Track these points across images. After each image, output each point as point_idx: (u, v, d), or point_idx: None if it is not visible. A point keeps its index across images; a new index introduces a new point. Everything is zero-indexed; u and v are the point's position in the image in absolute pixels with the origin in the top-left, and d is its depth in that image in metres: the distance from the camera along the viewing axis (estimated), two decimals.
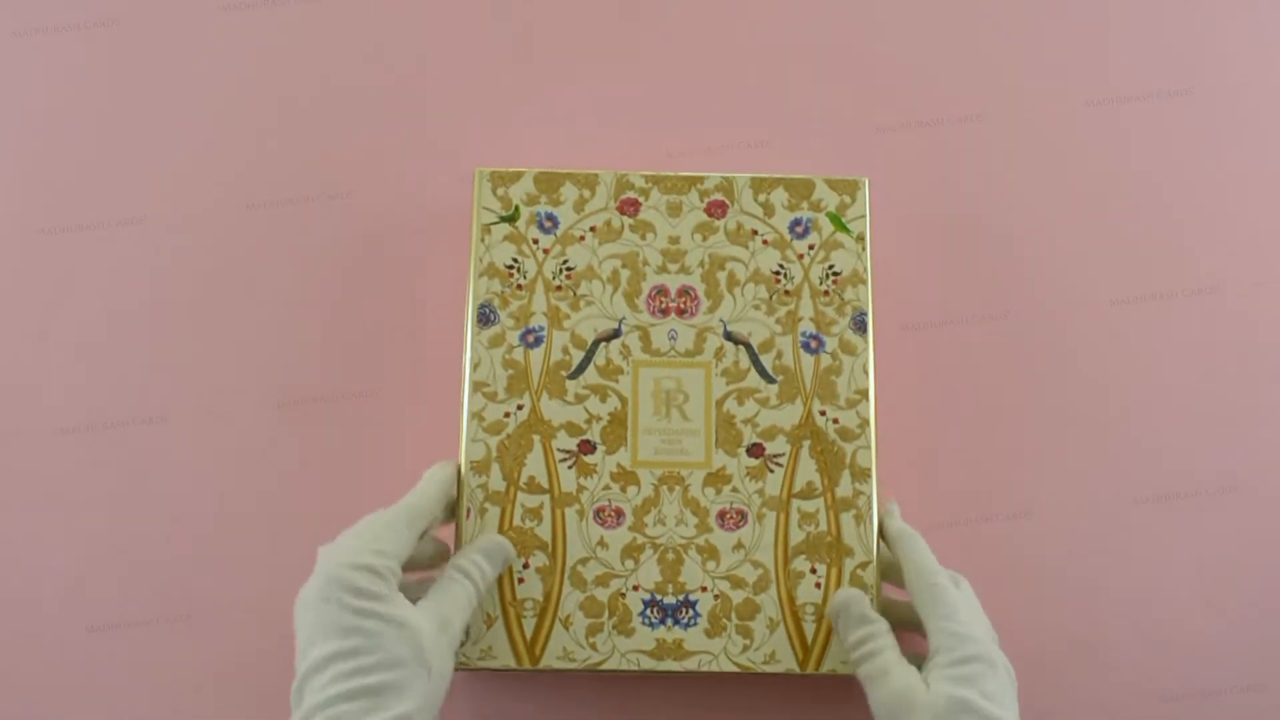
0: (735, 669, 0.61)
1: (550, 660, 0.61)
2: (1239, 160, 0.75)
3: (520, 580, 0.62)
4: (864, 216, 0.66)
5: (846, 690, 0.65)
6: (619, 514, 0.63)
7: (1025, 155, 0.75)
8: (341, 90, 0.74)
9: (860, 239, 0.66)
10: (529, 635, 0.61)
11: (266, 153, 0.73)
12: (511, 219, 0.66)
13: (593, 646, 0.61)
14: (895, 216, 0.72)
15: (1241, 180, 0.75)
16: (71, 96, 0.74)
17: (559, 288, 0.65)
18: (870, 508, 0.62)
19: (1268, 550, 0.70)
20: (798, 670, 0.61)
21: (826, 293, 0.65)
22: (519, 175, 0.66)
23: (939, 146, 0.74)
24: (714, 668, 0.61)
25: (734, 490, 0.63)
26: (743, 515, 0.63)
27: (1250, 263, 0.74)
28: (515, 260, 0.65)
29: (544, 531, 0.62)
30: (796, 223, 0.66)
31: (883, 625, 0.59)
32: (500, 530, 0.62)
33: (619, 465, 0.63)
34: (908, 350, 0.71)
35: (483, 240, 0.66)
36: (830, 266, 0.65)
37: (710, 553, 0.62)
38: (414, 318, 0.71)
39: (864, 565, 0.62)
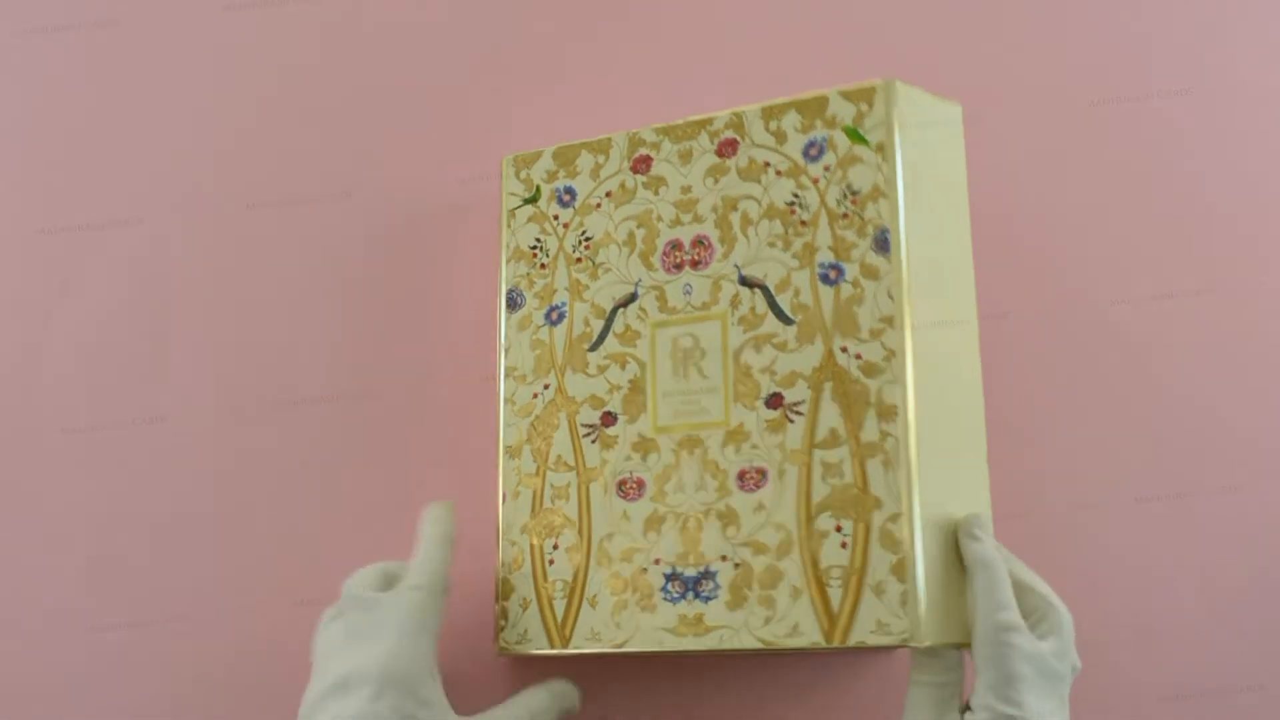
0: (758, 644, 0.55)
1: (579, 642, 0.59)
2: (1239, 160, 0.75)
3: (550, 561, 0.60)
4: (885, 123, 0.58)
5: (885, 664, 0.65)
6: (640, 485, 0.60)
7: (1025, 155, 0.75)
8: (343, 89, 0.74)
9: (880, 149, 0.58)
10: (560, 617, 0.59)
11: (267, 152, 0.73)
12: (533, 200, 0.66)
13: (618, 626, 0.58)
14: None
15: (1242, 180, 0.75)
16: (72, 96, 0.74)
17: (579, 260, 0.64)
18: (900, 450, 0.55)
19: (1268, 550, 0.70)
20: (823, 643, 0.54)
21: (845, 215, 0.58)
22: (539, 155, 0.66)
23: None
24: (735, 644, 0.56)
25: (753, 447, 0.58)
26: (763, 474, 0.57)
27: (1250, 263, 0.74)
28: (538, 240, 0.65)
29: (571, 509, 0.61)
30: (811, 145, 0.60)
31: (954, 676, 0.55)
32: (533, 512, 0.61)
33: (639, 434, 0.60)
34: None
35: (509, 225, 0.66)
36: (848, 185, 0.58)
37: (730, 518, 0.57)
38: (418, 316, 0.71)
39: (894, 518, 0.54)
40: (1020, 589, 0.55)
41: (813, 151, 0.59)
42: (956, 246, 0.61)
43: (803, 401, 0.57)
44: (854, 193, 0.58)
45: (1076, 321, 0.72)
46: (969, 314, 0.61)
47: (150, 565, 0.67)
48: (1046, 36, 0.77)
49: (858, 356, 0.57)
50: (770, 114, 0.61)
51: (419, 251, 0.72)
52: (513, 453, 0.63)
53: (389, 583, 0.59)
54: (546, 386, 0.63)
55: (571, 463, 0.61)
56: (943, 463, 0.56)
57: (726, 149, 0.62)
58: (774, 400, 0.58)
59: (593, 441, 0.61)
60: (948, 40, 0.77)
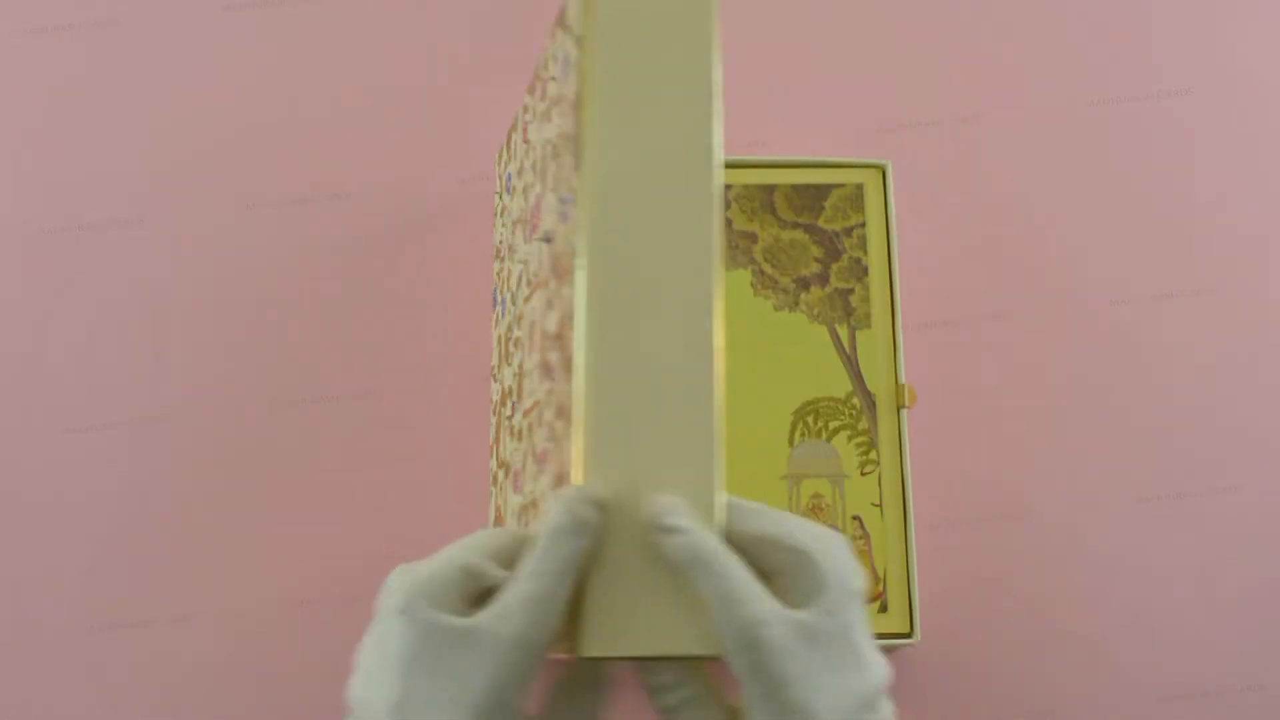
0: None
1: None
2: (1239, 160, 0.75)
3: None
4: (581, 11, 0.44)
5: None
6: (518, 475, 0.53)
7: (1025, 155, 0.75)
8: (342, 89, 0.74)
9: (581, 40, 0.44)
10: None
11: (267, 152, 0.73)
12: (501, 194, 0.65)
13: None
14: (897, 216, 0.72)
15: (1242, 180, 0.75)
16: (72, 96, 0.74)
17: (511, 246, 0.60)
18: (570, 415, 0.43)
19: (1268, 550, 0.70)
20: (567, 654, 0.42)
21: (569, 135, 0.45)
22: (503, 147, 0.65)
23: (941, 146, 0.74)
24: None
25: (544, 424, 0.48)
26: (546, 455, 0.47)
27: (1250, 263, 0.74)
28: (503, 234, 0.63)
29: (504, 505, 0.58)
30: (565, 63, 0.47)
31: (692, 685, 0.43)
32: (491, 509, 0.60)
33: (518, 421, 0.54)
34: (906, 349, 0.70)
35: (495, 225, 0.65)
36: (567, 97, 0.46)
37: (534, 507, 0.49)
38: (416, 316, 0.71)
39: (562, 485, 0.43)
40: (765, 549, 0.42)
41: (566, 70, 0.47)
42: (687, 161, 0.44)
43: (556, 366, 0.47)
44: (572, 105, 0.45)
45: (1076, 321, 0.72)
46: (703, 259, 0.43)
47: (150, 565, 0.67)
48: (1046, 37, 0.77)
49: (551, 305, 0.46)
50: (552, 40, 0.50)
51: (418, 252, 0.72)
52: (490, 452, 0.63)
53: (474, 590, 0.41)
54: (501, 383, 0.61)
55: (504, 458, 0.58)
56: (650, 440, 0.42)
57: (543, 92, 0.52)
58: (545, 367, 0.48)
59: (510, 434, 0.56)
60: (949, 40, 0.77)
